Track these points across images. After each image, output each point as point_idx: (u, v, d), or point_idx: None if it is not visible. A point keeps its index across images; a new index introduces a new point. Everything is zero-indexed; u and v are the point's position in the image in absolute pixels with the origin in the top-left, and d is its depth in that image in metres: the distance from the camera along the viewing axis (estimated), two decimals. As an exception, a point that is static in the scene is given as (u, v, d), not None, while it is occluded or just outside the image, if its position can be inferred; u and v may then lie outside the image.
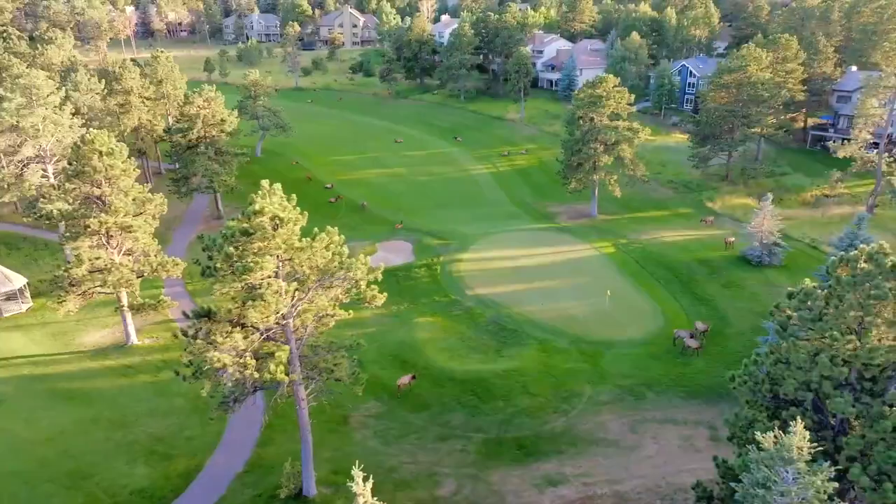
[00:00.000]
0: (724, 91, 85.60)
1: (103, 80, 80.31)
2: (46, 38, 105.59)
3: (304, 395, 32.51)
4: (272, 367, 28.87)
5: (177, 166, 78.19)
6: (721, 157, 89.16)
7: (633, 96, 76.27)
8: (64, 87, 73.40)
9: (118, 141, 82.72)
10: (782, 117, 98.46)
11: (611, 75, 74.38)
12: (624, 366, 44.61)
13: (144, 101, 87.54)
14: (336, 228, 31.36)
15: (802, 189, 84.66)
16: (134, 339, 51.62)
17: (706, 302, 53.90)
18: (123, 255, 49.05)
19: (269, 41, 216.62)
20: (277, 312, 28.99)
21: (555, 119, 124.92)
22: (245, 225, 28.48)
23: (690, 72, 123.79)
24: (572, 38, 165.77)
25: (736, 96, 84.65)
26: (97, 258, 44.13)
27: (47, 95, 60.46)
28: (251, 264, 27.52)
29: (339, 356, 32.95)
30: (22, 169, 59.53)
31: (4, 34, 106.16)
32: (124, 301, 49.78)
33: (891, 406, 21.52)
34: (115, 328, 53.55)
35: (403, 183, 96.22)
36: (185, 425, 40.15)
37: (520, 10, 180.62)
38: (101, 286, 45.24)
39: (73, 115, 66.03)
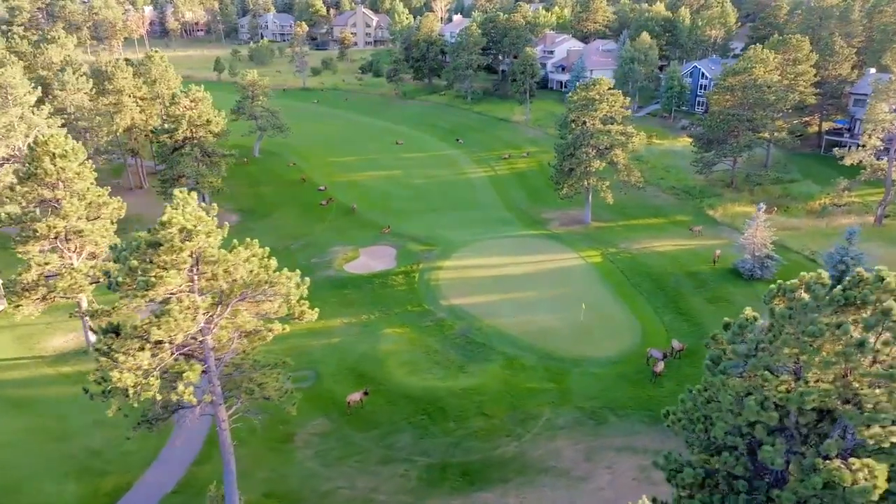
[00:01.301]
0: (729, 94, 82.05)
1: (91, 80, 79.83)
2: (49, 37, 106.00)
3: (225, 416, 30.74)
4: (181, 387, 27.16)
5: (164, 167, 77.14)
6: (726, 162, 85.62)
7: (628, 99, 73.16)
8: (39, 86, 73.03)
9: (109, 140, 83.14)
10: (795, 121, 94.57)
11: (605, 77, 71.60)
12: (590, 386, 42.08)
13: (137, 100, 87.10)
14: (256, 241, 29.44)
15: (811, 197, 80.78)
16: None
17: (689, 318, 51.00)
18: (86, 258, 48.19)
19: (284, 41, 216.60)
20: (187, 330, 27.25)
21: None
22: (154, 236, 26.80)
23: (702, 73, 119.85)
24: (585, 38, 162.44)
25: (741, 99, 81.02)
26: (47, 263, 43.00)
27: (24, 95, 59.83)
28: (153, 279, 25.81)
29: (266, 374, 31.15)
30: (-4, 169, 58.94)
31: (9, 33, 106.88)
32: (84, 306, 48.75)
33: (826, 458, 18.93)
34: (81, 332, 52.58)
35: (398, 186, 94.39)
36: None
37: (532, 9, 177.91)
38: (52, 292, 44.12)
39: (52, 114, 65.36)
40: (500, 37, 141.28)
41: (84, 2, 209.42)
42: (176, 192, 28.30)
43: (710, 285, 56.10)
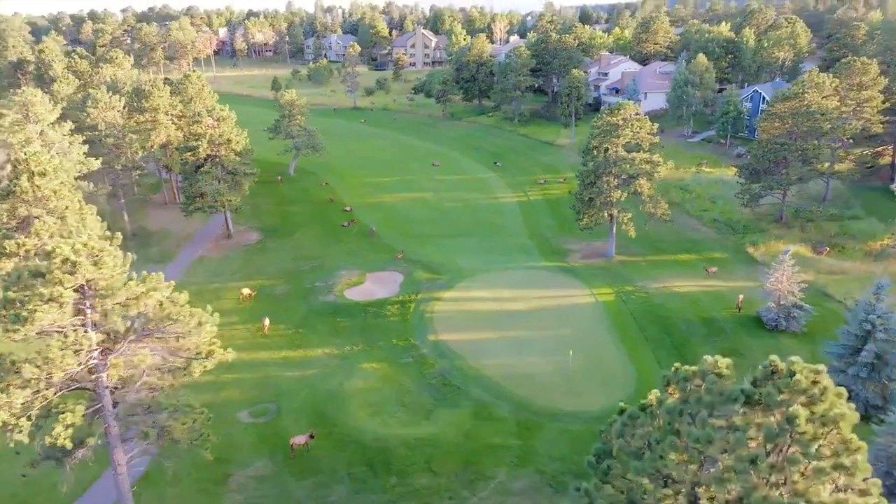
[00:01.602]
0: (778, 121, 74.97)
1: (133, 98, 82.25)
2: (107, 57, 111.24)
3: (122, 459, 28.74)
4: (58, 429, 25.35)
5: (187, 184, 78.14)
6: (775, 195, 78.09)
7: (655, 125, 67.86)
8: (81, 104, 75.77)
9: (142, 156, 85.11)
10: (863, 151, 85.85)
11: (630, 102, 66.72)
12: (559, 445, 37.62)
13: (173, 118, 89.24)
14: (160, 275, 27.43)
15: (873, 237, 72.31)
16: (76, 363, 50.44)
17: (695, 371, 45.35)
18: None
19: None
20: (66, 368, 25.44)
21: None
22: (37, 267, 25.29)
23: (764, 98, 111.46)
24: (645, 60, 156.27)
25: (791, 127, 73.81)
26: (16, 281, 42.93)
27: (44, 112, 61.70)
28: (25, 314, 24.18)
29: (172, 417, 28.98)
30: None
31: (73, 53, 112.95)
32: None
33: None
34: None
35: (425, 208, 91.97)
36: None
37: (592, 29, 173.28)
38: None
39: (74, 131, 67.20)
40: (550, 58, 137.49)
41: (165, 24, 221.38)
42: (70, 219, 26.80)
43: (726, 334, 50.09)
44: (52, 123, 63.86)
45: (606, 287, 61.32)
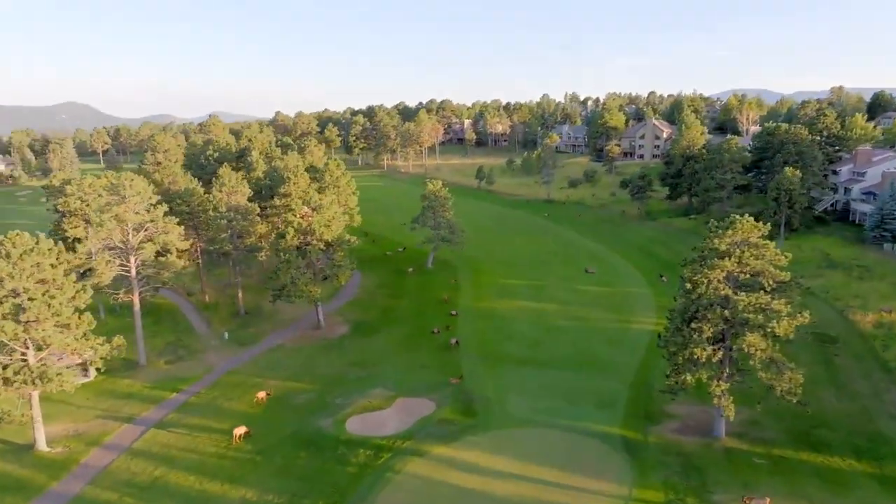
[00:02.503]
0: None
1: (248, 185, 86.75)
2: (300, 145, 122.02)
3: None
4: None
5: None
6: None
7: (787, 255, 44.95)
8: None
9: (262, 239, 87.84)
10: None
11: (749, 218, 45.61)
12: None
13: (306, 203, 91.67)
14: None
15: None
16: (42, 445, 49.90)
17: None
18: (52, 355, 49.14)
19: (574, 151, 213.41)
20: None
21: (832, 269, 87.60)
22: None
23: None
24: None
25: None
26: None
27: (134, 194, 66.52)
28: None
29: None
30: (94, 256, 65.98)
31: (273, 143, 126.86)
32: (34, 405, 48.89)
33: None
34: (48, 425, 52.13)
35: (534, 325, 77.05)
36: None
37: (882, 120, 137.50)
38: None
39: (169, 213, 71.43)
40: (773, 152, 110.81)
41: (407, 122, 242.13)
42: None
43: None
44: (152, 205, 68.51)
45: (660, 491, 40.69)
